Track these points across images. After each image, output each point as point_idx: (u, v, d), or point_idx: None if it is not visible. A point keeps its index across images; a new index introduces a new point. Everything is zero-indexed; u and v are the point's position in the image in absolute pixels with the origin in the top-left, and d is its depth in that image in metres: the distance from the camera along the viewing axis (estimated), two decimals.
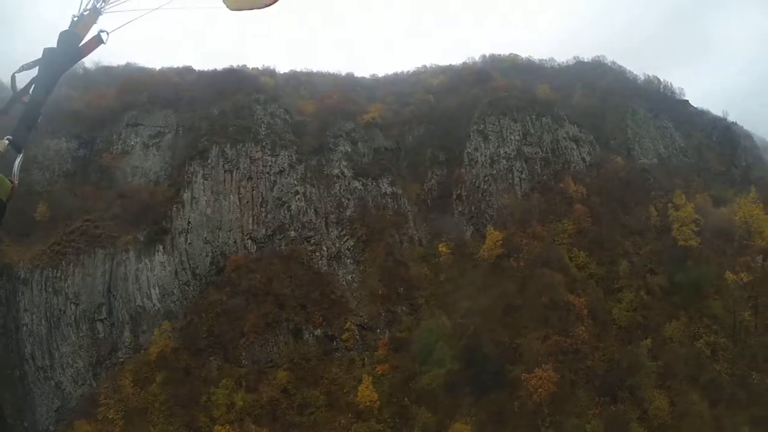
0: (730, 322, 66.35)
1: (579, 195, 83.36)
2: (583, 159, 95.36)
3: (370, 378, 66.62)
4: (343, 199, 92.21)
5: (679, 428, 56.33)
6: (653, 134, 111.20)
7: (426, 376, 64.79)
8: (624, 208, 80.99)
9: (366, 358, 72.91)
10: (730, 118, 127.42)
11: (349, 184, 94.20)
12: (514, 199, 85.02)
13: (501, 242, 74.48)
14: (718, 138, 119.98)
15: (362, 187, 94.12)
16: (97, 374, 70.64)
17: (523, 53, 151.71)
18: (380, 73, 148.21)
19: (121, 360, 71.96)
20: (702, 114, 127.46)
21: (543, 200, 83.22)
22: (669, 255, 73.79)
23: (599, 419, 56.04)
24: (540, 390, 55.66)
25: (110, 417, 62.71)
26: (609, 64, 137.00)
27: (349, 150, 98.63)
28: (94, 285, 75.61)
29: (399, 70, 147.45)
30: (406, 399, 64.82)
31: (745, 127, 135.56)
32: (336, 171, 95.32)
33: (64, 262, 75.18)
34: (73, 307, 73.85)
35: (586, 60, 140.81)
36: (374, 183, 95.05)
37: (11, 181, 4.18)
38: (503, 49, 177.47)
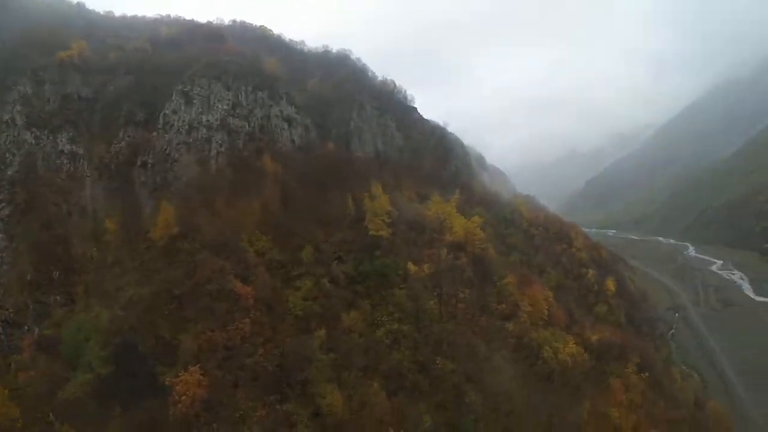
0: (413, 311, 66.23)
1: (276, 176, 77.35)
2: (293, 140, 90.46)
3: (6, 391, 50.33)
4: (7, 154, 72.92)
5: (357, 422, 53.23)
6: (375, 130, 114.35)
7: (73, 383, 51.81)
8: (322, 195, 77.15)
9: (13, 363, 56.03)
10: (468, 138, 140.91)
11: (18, 134, 74.98)
12: (206, 173, 75.70)
13: (177, 220, 64.27)
14: (435, 144, 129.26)
15: (34, 141, 75.41)
16: None
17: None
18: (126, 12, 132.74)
19: None
20: (425, 122, 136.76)
21: (237, 177, 74.99)
22: (359, 244, 71.83)
23: (263, 422, 49.95)
24: (184, 397, 47.37)
25: None
26: (354, 59, 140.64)
27: (29, 92, 79.54)
28: None
29: (141, 14, 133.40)
30: (51, 414, 50.49)
31: (465, 141, 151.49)
32: (6, 116, 75.75)
33: None
34: None
35: (333, 50, 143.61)
36: (51, 137, 76.79)
37: None
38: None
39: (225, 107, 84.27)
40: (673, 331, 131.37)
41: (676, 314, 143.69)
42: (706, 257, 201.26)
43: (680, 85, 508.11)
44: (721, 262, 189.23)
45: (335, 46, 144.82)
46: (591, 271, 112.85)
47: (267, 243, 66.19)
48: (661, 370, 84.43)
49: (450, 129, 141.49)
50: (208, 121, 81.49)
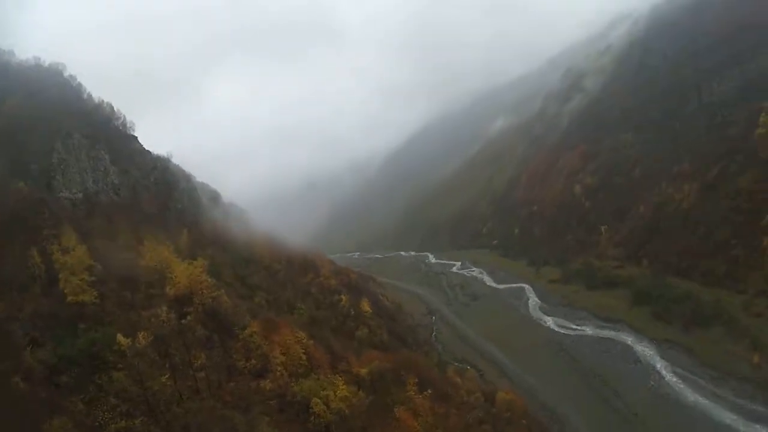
0: (142, 396, 48.59)
1: None
2: None
3: None
4: None
5: None
6: (84, 164, 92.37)
7: None
8: (2, 253, 55.48)
9: None
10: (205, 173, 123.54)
11: None
12: None
13: None
14: (157, 178, 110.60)
15: None
16: None
17: None
18: None
19: None
20: (146, 153, 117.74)
21: None
22: (59, 317, 52.33)
23: None
24: None
25: None
26: (67, 76, 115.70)
27: None
28: None
29: None
30: None
31: (201, 176, 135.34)
32: None
33: None
34: None
35: (45, 64, 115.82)
36: None
37: None
38: None
39: None
40: (434, 333, 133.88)
41: (433, 317, 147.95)
42: (446, 261, 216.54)
43: (407, 114, 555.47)
44: (460, 263, 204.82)
45: (49, 60, 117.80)
46: (344, 297, 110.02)
47: None
48: (439, 378, 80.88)
49: (186, 163, 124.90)
50: None
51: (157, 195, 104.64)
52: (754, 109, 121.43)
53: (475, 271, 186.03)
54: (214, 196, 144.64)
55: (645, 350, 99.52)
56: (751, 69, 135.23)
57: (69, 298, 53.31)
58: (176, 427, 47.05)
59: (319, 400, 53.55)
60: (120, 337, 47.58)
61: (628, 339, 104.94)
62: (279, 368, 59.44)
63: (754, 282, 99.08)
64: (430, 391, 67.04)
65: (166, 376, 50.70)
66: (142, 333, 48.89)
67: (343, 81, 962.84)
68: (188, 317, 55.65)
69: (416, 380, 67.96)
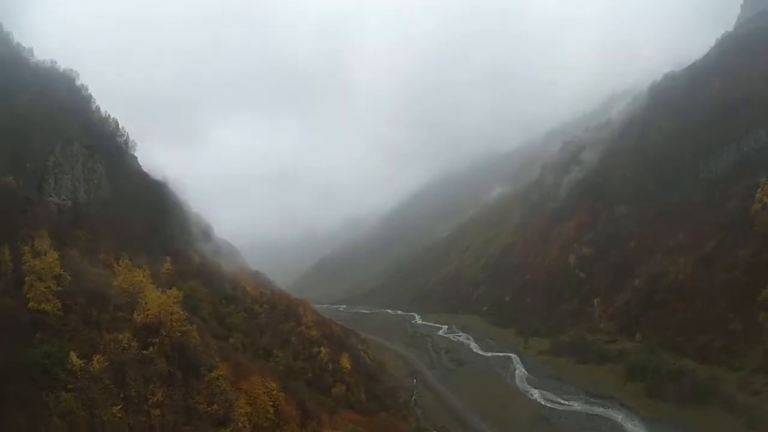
0: (89, 424, 44.28)
1: None
2: None
3: None
4: None
5: None
6: (78, 174, 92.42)
7: None
8: None
9: None
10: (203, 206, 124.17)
11: None
12: None
13: None
14: (150, 202, 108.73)
15: None
16: None
17: None
18: None
19: None
20: (144, 175, 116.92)
21: None
22: (19, 322, 49.55)
23: None
24: None
25: None
26: (79, 85, 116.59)
27: None
28: None
29: None
30: None
31: (197, 208, 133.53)
32: None
33: None
34: None
35: (60, 68, 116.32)
36: None
37: None
38: None
39: None
40: (415, 396, 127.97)
41: (414, 380, 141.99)
42: (433, 324, 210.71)
43: (407, 175, 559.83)
44: (447, 326, 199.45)
45: (65, 64, 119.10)
46: (324, 349, 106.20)
47: None
48: None
49: (182, 192, 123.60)
50: None
51: (147, 218, 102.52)
52: (750, 184, 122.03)
53: (462, 336, 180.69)
54: (207, 230, 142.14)
55: (636, 429, 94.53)
56: (747, 144, 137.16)
57: (30, 304, 50.13)
58: None
59: None
60: (73, 357, 43.72)
61: (618, 416, 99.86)
62: (242, 419, 55.09)
63: (752, 358, 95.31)
64: None
65: (119, 407, 46.65)
66: (97, 357, 45.01)
67: (346, 135, 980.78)
68: (151, 348, 51.65)
69: None
